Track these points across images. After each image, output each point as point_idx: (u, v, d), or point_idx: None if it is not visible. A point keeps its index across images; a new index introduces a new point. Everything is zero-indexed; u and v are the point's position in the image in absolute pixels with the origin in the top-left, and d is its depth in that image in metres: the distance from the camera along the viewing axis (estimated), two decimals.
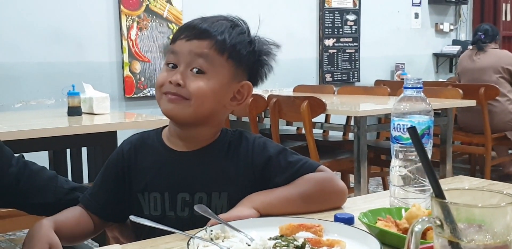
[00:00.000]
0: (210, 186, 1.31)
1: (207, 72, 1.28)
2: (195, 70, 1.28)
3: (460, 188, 0.78)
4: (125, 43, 4.49)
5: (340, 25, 5.97)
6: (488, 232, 0.70)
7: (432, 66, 6.85)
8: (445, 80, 6.06)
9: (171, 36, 1.31)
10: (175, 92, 1.28)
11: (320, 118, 4.19)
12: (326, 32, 5.86)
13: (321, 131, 4.82)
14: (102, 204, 1.36)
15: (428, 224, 0.71)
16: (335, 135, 4.83)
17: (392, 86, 4.72)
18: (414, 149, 1.16)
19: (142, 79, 4.57)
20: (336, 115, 4.64)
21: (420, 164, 1.21)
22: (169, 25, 4.68)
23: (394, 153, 1.25)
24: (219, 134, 1.37)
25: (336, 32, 5.94)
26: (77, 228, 1.33)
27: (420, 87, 1.24)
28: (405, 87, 1.25)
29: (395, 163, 1.25)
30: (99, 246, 3.03)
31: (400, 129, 1.22)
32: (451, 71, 6.89)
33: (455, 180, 1.61)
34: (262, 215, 1.23)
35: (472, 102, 4.07)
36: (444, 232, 0.70)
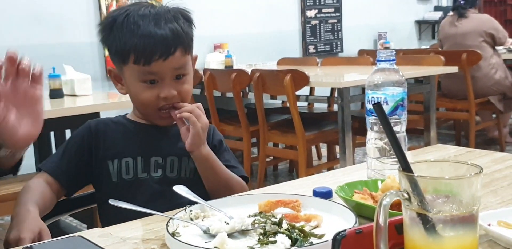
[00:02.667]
0: (180, 151, 1.41)
1: (186, 74, 1.41)
2: (177, 78, 1.39)
3: (427, 160, 0.79)
4: None
5: None
6: (454, 203, 0.71)
7: (415, 34, 6.85)
8: (428, 47, 6.06)
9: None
10: (173, 105, 1.38)
11: (305, 91, 4.20)
12: (308, 3, 5.83)
13: (306, 104, 4.83)
14: (65, 171, 1.43)
15: (396, 197, 0.72)
16: (320, 107, 4.85)
17: (375, 55, 4.71)
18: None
19: None
20: (320, 88, 4.64)
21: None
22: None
23: (370, 126, 1.26)
24: None
25: (317, 3, 5.91)
26: (48, 203, 1.39)
27: (393, 60, 1.25)
28: (378, 60, 1.26)
29: (370, 135, 1.26)
30: (88, 228, 3.06)
31: (374, 101, 1.23)
32: (433, 38, 6.90)
33: (432, 149, 1.63)
34: (197, 157, 1.38)
35: (454, 69, 4.08)
36: (412, 205, 0.72)
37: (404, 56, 4.61)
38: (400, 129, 1.23)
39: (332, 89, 4.71)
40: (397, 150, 0.73)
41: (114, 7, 4.45)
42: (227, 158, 1.50)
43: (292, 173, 4.62)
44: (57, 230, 1.43)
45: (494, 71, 4.81)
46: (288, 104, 3.64)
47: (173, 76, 1.38)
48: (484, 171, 1.35)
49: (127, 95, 1.45)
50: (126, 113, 1.53)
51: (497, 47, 4.97)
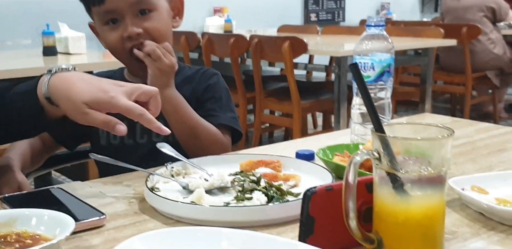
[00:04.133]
0: None
1: (153, 9, 1.30)
2: (141, 14, 1.28)
3: (400, 122, 0.80)
4: None
5: None
6: (424, 164, 0.73)
7: (418, 6, 6.80)
8: (430, 20, 6.03)
9: None
10: (141, 43, 1.27)
11: (304, 59, 4.20)
12: None
13: (304, 72, 4.83)
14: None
15: (366, 156, 0.73)
16: (319, 76, 4.84)
17: None
18: (374, 86, 1.19)
19: None
20: (320, 56, 4.64)
21: (380, 101, 1.23)
22: None
23: (355, 91, 1.27)
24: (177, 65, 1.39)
25: None
26: (37, 156, 1.39)
27: (382, 25, 1.25)
28: (368, 25, 1.26)
29: (356, 101, 1.27)
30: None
31: (361, 66, 1.24)
32: (436, 11, 6.85)
33: (420, 117, 1.64)
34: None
35: (452, 42, 4.07)
36: (382, 164, 0.73)
37: (405, 27, 4.59)
38: (385, 95, 1.24)
39: (331, 59, 4.70)
40: (370, 111, 0.75)
41: None
42: (211, 107, 1.40)
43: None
44: (42, 184, 1.45)
45: (493, 46, 4.80)
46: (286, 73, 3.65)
47: (135, 12, 1.28)
48: (466, 139, 1.38)
49: None
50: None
51: (497, 23, 4.94)
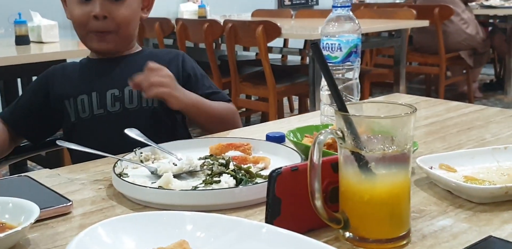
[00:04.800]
0: None
1: None
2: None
3: (363, 101, 0.80)
4: None
5: None
6: (387, 142, 0.73)
7: None
8: (403, 1, 6.03)
9: None
10: (104, 30, 1.32)
11: (279, 43, 4.18)
12: None
13: (280, 56, 4.82)
14: (19, 116, 1.43)
15: (330, 136, 0.73)
16: (294, 60, 4.84)
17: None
18: (341, 67, 1.19)
19: None
20: (295, 40, 4.62)
21: (348, 82, 1.23)
22: None
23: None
24: (139, 47, 1.48)
25: None
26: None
27: (348, 6, 1.24)
28: (334, 6, 1.25)
29: (324, 82, 1.26)
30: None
31: (328, 48, 1.23)
32: None
33: (390, 98, 1.65)
34: (183, 110, 1.34)
35: (425, 23, 4.08)
36: (346, 143, 0.73)
37: (378, 9, 4.60)
38: (353, 75, 1.23)
39: (306, 42, 4.69)
40: (333, 90, 0.74)
41: None
42: (208, 84, 1.46)
43: None
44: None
45: (466, 27, 4.82)
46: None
47: None
48: (436, 118, 1.39)
49: None
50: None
51: (469, 3, 4.96)
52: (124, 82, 1.35)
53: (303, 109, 4.34)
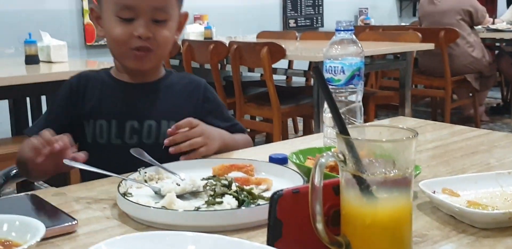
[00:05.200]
0: (159, 114, 1.38)
1: (168, 19, 1.35)
2: (156, 20, 1.33)
3: (365, 124, 0.81)
4: None
5: None
6: (389, 166, 0.73)
7: (396, 11, 6.85)
8: (408, 24, 6.07)
9: None
10: (147, 47, 1.33)
11: (284, 64, 4.21)
12: None
13: (284, 77, 4.84)
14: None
15: (332, 158, 0.74)
16: (299, 81, 4.86)
17: (355, 31, 4.72)
18: (344, 90, 1.20)
19: None
20: (300, 62, 4.66)
21: (351, 105, 1.24)
22: None
23: None
24: (164, 71, 1.47)
25: None
26: None
27: (351, 30, 1.26)
28: (337, 30, 1.27)
29: (327, 104, 1.27)
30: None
31: (332, 70, 1.25)
32: (414, 15, 6.90)
33: (394, 121, 1.65)
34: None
35: (430, 46, 4.10)
36: (347, 166, 0.74)
37: (383, 32, 4.62)
38: (356, 98, 1.24)
39: (310, 64, 4.72)
40: (334, 113, 0.75)
41: None
42: (226, 114, 1.49)
43: None
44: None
45: (472, 50, 4.84)
46: None
47: (151, 17, 1.32)
48: (440, 142, 1.39)
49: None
50: (112, 67, 1.48)
51: (475, 26, 4.99)
52: (144, 115, 1.38)
53: (307, 131, 4.34)
